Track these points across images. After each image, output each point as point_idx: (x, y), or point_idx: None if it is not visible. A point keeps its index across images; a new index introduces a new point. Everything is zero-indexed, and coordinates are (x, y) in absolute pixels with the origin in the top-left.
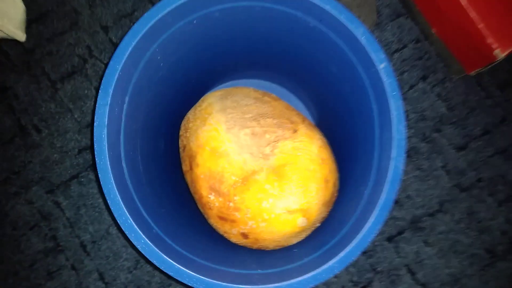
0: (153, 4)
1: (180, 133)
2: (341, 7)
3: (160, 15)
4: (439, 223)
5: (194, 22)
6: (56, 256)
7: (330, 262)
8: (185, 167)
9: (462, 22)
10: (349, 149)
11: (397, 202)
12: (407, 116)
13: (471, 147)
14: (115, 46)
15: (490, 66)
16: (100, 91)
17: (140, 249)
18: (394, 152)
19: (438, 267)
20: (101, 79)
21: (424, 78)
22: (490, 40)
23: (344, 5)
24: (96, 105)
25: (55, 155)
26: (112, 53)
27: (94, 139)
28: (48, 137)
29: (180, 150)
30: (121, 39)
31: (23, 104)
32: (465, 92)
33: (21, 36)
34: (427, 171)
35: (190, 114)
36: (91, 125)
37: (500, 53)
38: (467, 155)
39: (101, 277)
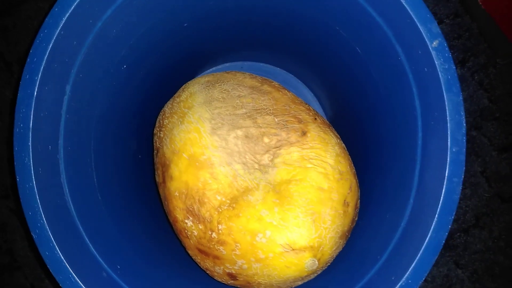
0: None
1: (154, 131)
2: None
3: None
4: (474, 241)
5: None
6: (12, 273)
7: None
8: (158, 178)
9: None
10: (374, 158)
11: None
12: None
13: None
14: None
15: None
16: (21, 80)
17: None
18: (447, 170)
19: None
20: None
21: (463, 62)
22: None
23: None
24: (17, 100)
25: None
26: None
27: (14, 153)
28: None
29: (154, 154)
30: None
31: None
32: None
33: None
34: (463, 176)
35: (166, 107)
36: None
37: None
38: (511, 159)
39: None
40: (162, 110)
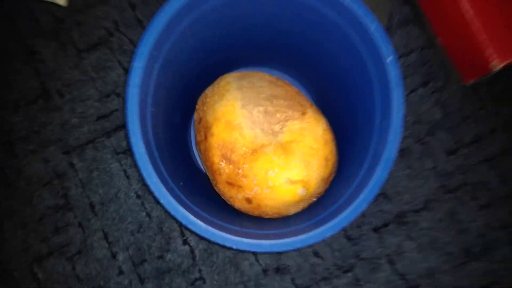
0: None
1: (197, 107)
2: (363, 6)
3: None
4: (422, 220)
5: (220, 6)
6: (65, 213)
7: (322, 228)
8: (199, 138)
9: (465, 33)
10: (349, 134)
11: (386, 196)
12: (406, 117)
13: (461, 153)
14: (141, 23)
15: (486, 78)
16: (136, 55)
17: (164, 203)
18: (390, 138)
19: (416, 261)
20: (124, 52)
21: (424, 84)
22: (489, 51)
23: None
24: (132, 67)
25: (74, 119)
26: (138, 30)
27: (127, 96)
28: (69, 102)
29: (195, 122)
30: (148, 17)
31: (49, 69)
32: (461, 101)
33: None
34: (417, 170)
35: (208, 91)
36: (112, 94)
37: (497, 64)
38: (456, 160)
39: (105, 236)
40: (203, 93)
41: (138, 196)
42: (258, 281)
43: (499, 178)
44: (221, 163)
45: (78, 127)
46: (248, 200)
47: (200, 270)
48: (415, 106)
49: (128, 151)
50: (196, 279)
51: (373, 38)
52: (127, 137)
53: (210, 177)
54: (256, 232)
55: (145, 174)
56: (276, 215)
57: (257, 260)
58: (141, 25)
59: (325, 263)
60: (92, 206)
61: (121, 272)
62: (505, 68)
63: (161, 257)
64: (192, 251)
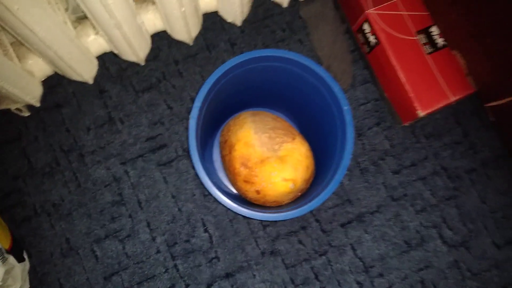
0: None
1: (222, 133)
2: (330, 76)
3: (228, 67)
4: (375, 219)
5: (240, 74)
6: (119, 207)
7: (302, 208)
8: (224, 152)
9: (400, 92)
10: (322, 152)
11: (350, 202)
12: (365, 147)
13: (402, 173)
14: (181, 74)
15: (418, 121)
16: (196, 98)
17: (207, 188)
18: (346, 155)
19: (371, 248)
20: (169, 94)
21: (378, 124)
22: (415, 104)
23: (323, 54)
24: (193, 106)
25: (130, 139)
26: (179, 79)
27: (190, 123)
28: (127, 127)
29: (221, 142)
30: (186, 70)
31: (114, 103)
32: (403, 137)
33: (142, 60)
34: (372, 184)
35: (231, 122)
36: (158, 122)
37: (421, 113)
38: (399, 177)
39: (148, 225)
40: (227, 123)
41: (173, 196)
42: (257, 260)
43: (430, 191)
44: (240, 168)
45: (133, 145)
46: (258, 192)
47: (216, 251)
48: (371, 139)
49: (168, 163)
50: (212, 258)
51: (336, 95)
52: (167, 153)
53: (232, 178)
54: (261, 210)
55: (200, 175)
56: (274, 204)
57: (258, 245)
58: (181, 76)
59: (306, 249)
60: (139, 202)
61: (158, 251)
62: (430, 114)
63: (188, 241)
64: (210, 237)
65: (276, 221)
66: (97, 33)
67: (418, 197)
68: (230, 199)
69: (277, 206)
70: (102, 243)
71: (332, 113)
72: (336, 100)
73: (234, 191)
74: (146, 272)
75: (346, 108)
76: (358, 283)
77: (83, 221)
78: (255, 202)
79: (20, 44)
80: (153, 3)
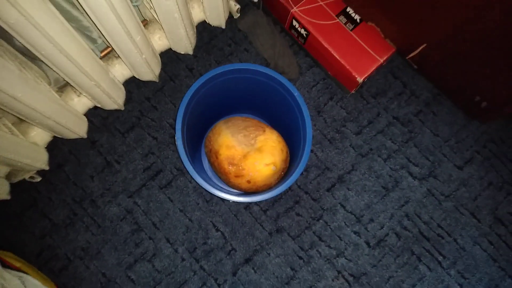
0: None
1: (205, 144)
2: (277, 73)
3: (193, 89)
4: (353, 176)
5: (219, 82)
6: (139, 233)
7: (286, 183)
8: (212, 160)
9: (340, 68)
10: (290, 136)
11: (328, 169)
12: (326, 120)
13: (363, 132)
14: (156, 108)
15: (361, 86)
16: (176, 122)
17: (195, 179)
18: (308, 131)
19: (357, 201)
20: (150, 127)
21: (331, 98)
22: (354, 73)
23: (267, 55)
24: (176, 129)
25: (129, 175)
26: (155, 112)
27: (177, 143)
28: (124, 166)
29: (207, 152)
30: (159, 103)
31: (106, 149)
32: (354, 102)
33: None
34: (341, 149)
35: (210, 133)
36: (149, 153)
37: (360, 79)
38: (361, 137)
39: (168, 240)
40: (207, 136)
41: (180, 210)
42: (268, 240)
43: (390, 140)
44: (229, 167)
45: (133, 179)
46: (248, 182)
47: (231, 244)
48: (329, 111)
49: (168, 184)
50: (230, 250)
51: (287, 86)
52: (164, 176)
53: (224, 178)
54: (256, 194)
55: (199, 182)
56: (265, 187)
57: (264, 228)
58: (156, 109)
59: (304, 218)
60: (154, 224)
61: (183, 259)
62: (371, 77)
63: (205, 243)
64: (223, 234)
65: (273, 202)
66: (79, 95)
67: (381, 148)
68: (228, 193)
69: (268, 189)
70: (133, 267)
71: (289, 101)
72: (288, 90)
73: (230, 189)
74: (178, 279)
75: (296, 94)
76: (355, 232)
77: (112, 254)
78: (249, 191)
79: (20, 122)
80: (117, 57)
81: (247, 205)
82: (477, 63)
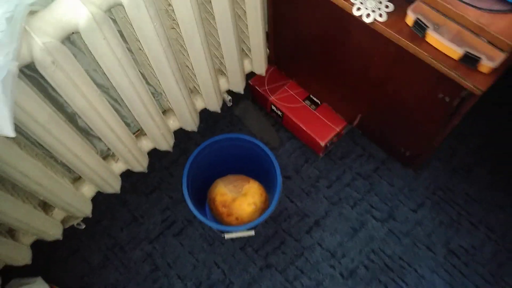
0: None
1: (208, 197)
2: (267, 149)
3: (202, 146)
4: (327, 221)
5: (215, 148)
6: (157, 272)
7: (262, 216)
8: (211, 205)
9: (308, 137)
10: (268, 183)
11: (307, 215)
12: (303, 178)
13: (333, 186)
14: (172, 174)
15: (328, 150)
16: (183, 179)
17: (196, 215)
18: (278, 180)
19: (331, 240)
20: (168, 190)
21: (306, 161)
22: (318, 140)
23: (255, 132)
24: (182, 185)
25: (150, 226)
26: (171, 178)
27: (184, 191)
28: (146, 219)
29: (208, 201)
30: (175, 170)
31: (134, 206)
32: (325, 163)
33: (145, 169)
34: (316, 199)
35: (212, 187)
36: (165, 209)
37: (322, 143)
38: (332, 190)
39: (179, 277)
40: (210, 189)
41: (189, 253)
42: (259, 274)
43: (355, 191)
44: (222, 208)
45: (153, 229)
46: (236, 219)
47: (229, 279)
48: (305, 172)
49: (180, 232)
50: (228, 284)
51: (267, 153)
52: (177, 226)
53: (220, 218)
54: (239, 226)
55: (196, 214)
56: (250, 221)
57: (256, 265)
58: (172, 176)
59: (288, 256)
60: (168, 264)
61: None
62: (335, 143)
63: (208, 278)
64: (222, 270)
65: (263, 244)
66: (117, 161)
67: (348, 197)
68: (224, 229)
69: None
70: None
71: (268, 163)
72: (268, 156)
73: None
74: None
75: (271, 155)
76: (331, 266)
77: None
78: (237, 225)
79: (76, 179)
80: (145, 134)
81: (242, 246)
82: (393, 125)
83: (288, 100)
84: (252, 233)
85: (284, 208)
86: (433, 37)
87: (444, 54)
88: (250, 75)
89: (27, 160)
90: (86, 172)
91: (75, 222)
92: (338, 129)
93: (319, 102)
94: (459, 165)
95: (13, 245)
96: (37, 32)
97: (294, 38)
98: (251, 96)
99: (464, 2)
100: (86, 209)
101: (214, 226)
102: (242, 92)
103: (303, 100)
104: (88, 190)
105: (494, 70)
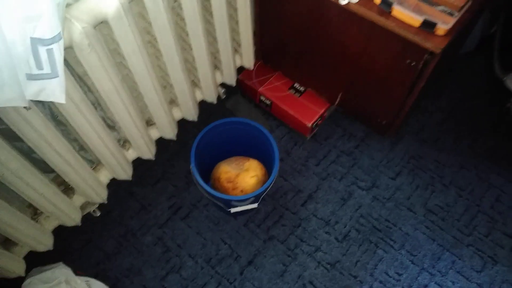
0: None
1: (212, 177)
2: (262, 127)
3: (207, 129)
4: (319, 194)
5: (218, 130)
6: (168, 253)
7: (264, 185)
8: (215, 185)
9: (295, 120)
10: (268, 163)
11: (300, 190)
12: (294, 159)
13: (321, 164)
14: (174, 166)
15: (314, 133)
16: (191, 157)
17: (207, 189)
18: (275, 155)
19: (323, 210)
20: (170, 179)
21: (295, 144)
22: (304, 121)
23: (247, 118)
24: (191, 156)
25: (158, 212)
26: (173, 168)
27: (191, 163)
28: (154, 207)
29: (211, 182)
30: (176, 162)
31: (140, 196)
32: (312, 145)
33: (153, 156)
34: (307, 176)
35: (215, 169)
36: (171, 196)
37: (308, 124)
38: (320, 167)
39: (190, 255)
40: (214, 170)
41: (197, 233)
42: (263, 246)
43: (340, 166)
44: (227, 184)
45: (162, 215)
46: (242, 191)
47: (236, 252)
48: (295, 153)
49: (186, 216)
50: (236, 257)
51: (267, 136)
52: (184, 210)
53: (225, 193)
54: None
55: (200, 183)
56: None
57: (259, 238)
58: (174, 166)
59: (288, 227)
60: (178, 245)
61: (202, 268)
62: (319, 125)
63: (217, 254)
64: (229, 246)
65: (264, 219)
66: (128, 149)
67: (335, 172)
68: (233, 199)
69: None
70: (167, 279)
71: (264, 142)
72: (262, 133)
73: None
74: (200, 283)
75: (269, 136)
76: (326, 232)
77: (150, 270)
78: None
79: (97, 165)
80: (154, 123)
81: (245, 223)
82: (369, 96)
83: (275, 90)
84: (255, 205)
85: (279, 186)
86: (397, 10)
87: (407, 24)
88: (239, 71)
89: (61, 140)
90: (106, 157)
91: (92, 209)
92: (321, 111)
93: (303, 90)
94: (428, 136)
95: (38, 229)
96: (76, 19)
97: (278, 32)
98: (240, 90)
99: None
100: (103, 194)
101: (225, 197)
102: (234, 84)
103: (288, 89)
104: (104, 176)
105: (448, 32)
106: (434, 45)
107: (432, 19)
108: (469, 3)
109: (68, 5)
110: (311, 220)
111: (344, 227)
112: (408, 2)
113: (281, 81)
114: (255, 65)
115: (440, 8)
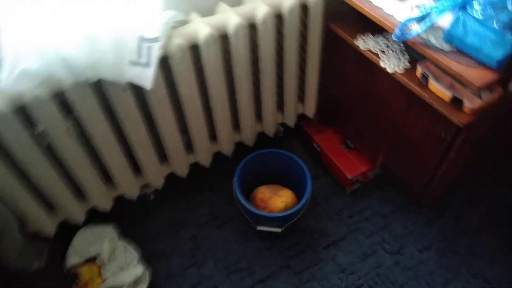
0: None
1: (251, 197)
2: (301, 161)
3: (244, 162)
4: (343, 243)
5: (256, 159)
6: (197, 250)
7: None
8: (254, 202)
9: (338, 171)
10: (299, 189)
11: (327, 235)
12: (329, 206)
13: (353, 217)
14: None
15: (354, 188)
16: (235, 176)
17: (236, 197)
18: (307, 189)
19: (344, 259)
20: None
21: (334, 193)
22: (346, 173)
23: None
24: (234, 183)
25: (201, 218)
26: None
27: (234, 187)
28: (195, 214)
29: (252, 199)
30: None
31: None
32: (350, 198)
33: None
34: (337, 224)
35: (255, 191)
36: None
37: (349, 176)
38: (352, 220)
39: (212, 258)
40: (254, 192)
41: (225, 242)
42: (278, 271)
43: (371, 225)
44: (261, 203)
45: (202, 221)
46: (270, 211)
47: (252, 268)
48: (332, 203)
49: (221, 225)
50: (251, 272)
51: (306, 172)
52: (219, 221)
53: (260, 208)
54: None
55: (236, 193)
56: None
57: (276, 263)
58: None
59: (305, 263)
60: (207, 247)
61: (218, 272)
62: (361, 183)
63: (235, 264)
64: (248, 261)
65: (287, 248)
66: (188, 154)
67: (365, 229)
68: (260, 214)
69: None
70: (188, 271)
71: (303, 176)
72: (301, 167)
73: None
74: (212, 284)
75: (305, 169)
76: (339, 278)
77: (176, 259)
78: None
79: (162, 159)
80: (215, 138)
81: (269, 247)
82: (404, 160)
83: (328, 141)
84: (279, 230)
85: (309, 225)
86: (432, 84)
87: (440, 97)
88: (300, 118)
89: (142, 128)
90: (172, 154)
91: (149, 191)
92: (364, 168)
93: (353, 147)
94: (467, 223)
95: (105, 192)
96: (176, 37)
97: (336, 90)
98: (298, 133)
99: (452, 59)
100: (160, 183)
101: (254, 211)
102: (292, 126)
103: (340, 144)
104: (165, 169)
105: (474, 111)
106: (458, 119)
107: (459, 96)
108: (502, 93)
109: (174, 27)
110: (329, 263)
111: (358, 279)
112: (443, 80)
113: (334, 135)
114: (314, 115)
115: (469, 89)
